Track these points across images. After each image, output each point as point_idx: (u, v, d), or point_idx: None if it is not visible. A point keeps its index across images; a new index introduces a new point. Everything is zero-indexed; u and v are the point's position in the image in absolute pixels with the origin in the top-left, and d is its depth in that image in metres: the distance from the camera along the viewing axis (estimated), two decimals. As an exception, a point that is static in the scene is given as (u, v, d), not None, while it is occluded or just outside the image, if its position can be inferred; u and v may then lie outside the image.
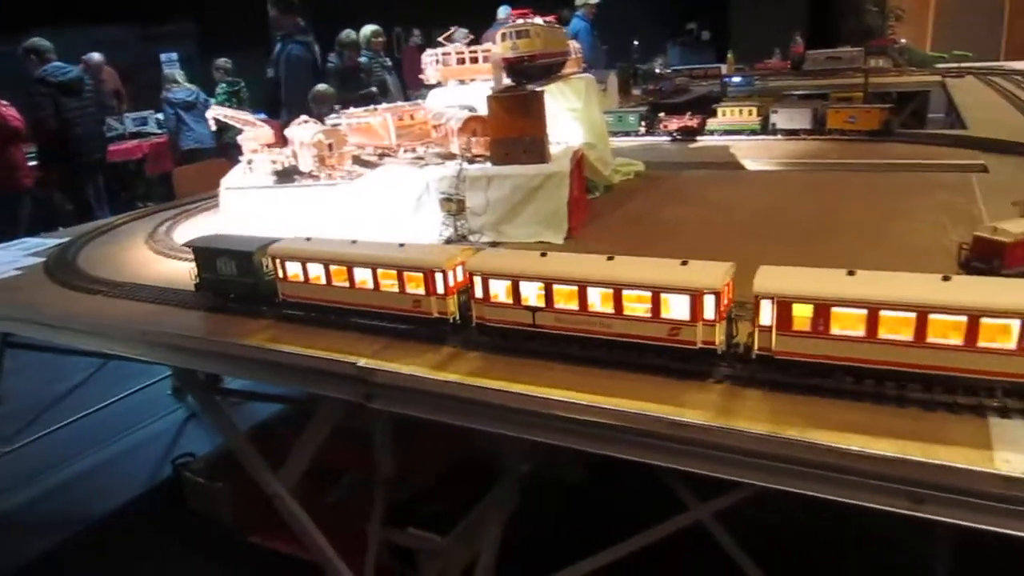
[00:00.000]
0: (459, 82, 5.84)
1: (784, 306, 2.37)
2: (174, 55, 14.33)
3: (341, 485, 4.96)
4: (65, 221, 8.80)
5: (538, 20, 4.83)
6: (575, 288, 2.68)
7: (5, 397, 5.87)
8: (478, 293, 2.88)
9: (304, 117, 5.12)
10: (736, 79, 12.15)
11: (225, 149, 9.41)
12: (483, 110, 4.75)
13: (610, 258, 2.72)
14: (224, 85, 12.47)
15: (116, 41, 16.20)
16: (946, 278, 2.30)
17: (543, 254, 2.87)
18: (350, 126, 5.16)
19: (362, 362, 2.95)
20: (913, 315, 2.23)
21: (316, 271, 3.28)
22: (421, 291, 3.00)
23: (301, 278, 3.34)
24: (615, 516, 3.80)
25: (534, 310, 2.78)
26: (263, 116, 9.00)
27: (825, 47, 13.06)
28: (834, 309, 2.32)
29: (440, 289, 2.96)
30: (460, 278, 3.00)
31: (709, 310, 2.47)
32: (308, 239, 3.45)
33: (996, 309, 2.15)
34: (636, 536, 3.40)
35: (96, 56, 12.15)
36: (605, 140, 6.04)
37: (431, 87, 5.98)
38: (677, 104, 9.49)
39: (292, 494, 3.89)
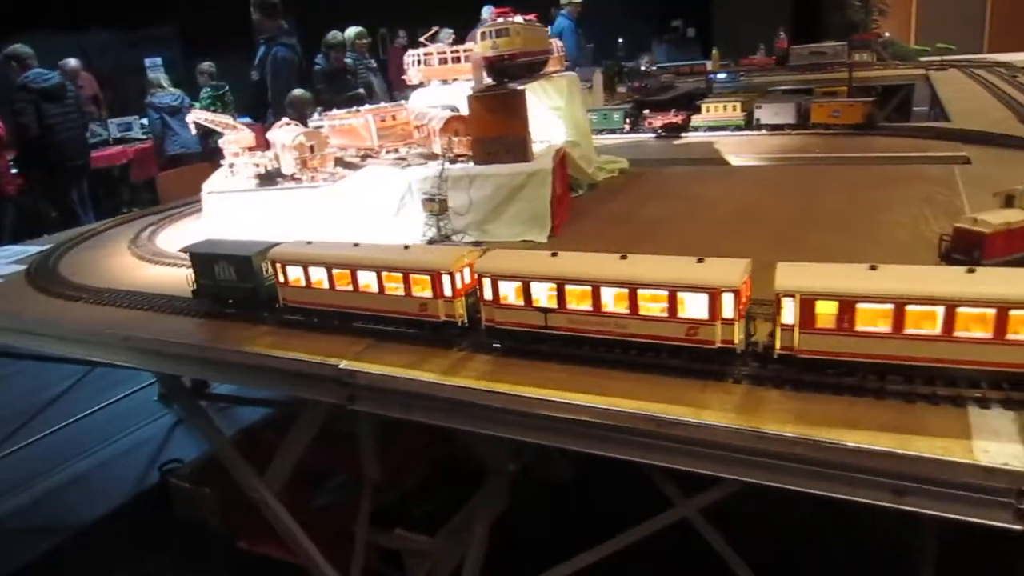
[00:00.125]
0: (442, 82, 5.82)
1: (807, 303, 2.31)
2: (158, 60, 14.25)
3: (328, 488, 4.94)
4: (49, 228, 8.74)
5: (518, 18, 4.82)
6: (588, 288, 2.61)
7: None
8: (487, 295, 2.81)
9: (286, 119, 5.09)
10: (721, 75, 12.18)
11: (211, 153, 9.38)
12: (466, 110, 4.74)
13: (623, 257, 2.65)
14: (208, 89, 12.41)
15: (99, 46, 16.12)
16: (970, 270, 2.26)
17: (554, 254, 2.79)
18: (332, 128, 5.14)
19: (343, 364, 2.93)
20: (942, 309, 2.18)
21: (318, 275, 3.21)
22: (428, 294, 2.93)
23: (303, 282, 3.27)
24: (602, 514, 3.80)
25: (546, 311, 2.71)
26: (247, 120, 8.98)
27: (810, 42, 13.09)
28: (860, 305, 2.26)
29: (448, 291, 2.89)
30: (468, 280, 2.93)
31: (728, 308, 2.41)
32: (309, 242, 3.37)
33: None
34: (622, 535, 3.41)
35: (72, 61, 12.05)
36: (589, 138, 6.03)
37: (414, 88, 5.96)
38: (662, 101, 9.53)
39: (278, 498, 3.87)
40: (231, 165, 5.16)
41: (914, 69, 11.84)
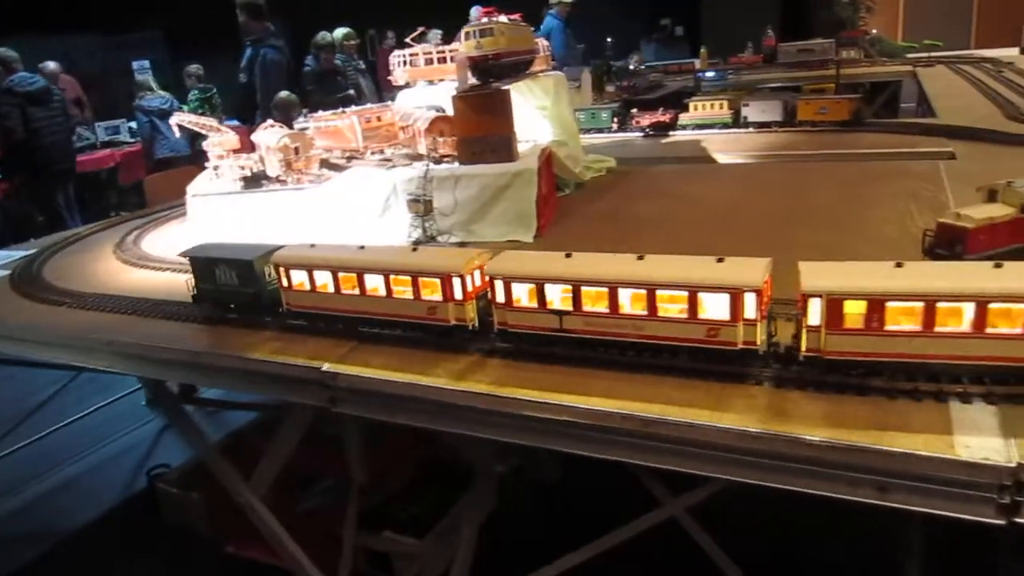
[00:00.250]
0: (428, 83, 5.80)
1: (835, 304, 2.26)
2: (146, 62, 14.18)
3: (316, 491, 4.91)
4: (36, 232, 8.69)
5: (503, 18, 4.80)
6: (605, 290, 2.55)
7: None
8: (499, 298, 2.75)
9: (270, 121, 5.07)
10: (710, 74, 12.18)
11: (199, 156, 9.31)
12: (451, 110, 4.72)
13: (640, 257, 2.59)
14: (196, 91, 12.37)
15: (86, 50, 16.03)
16: (997, 265, 2.24)
17: (568, 255, 2.72)
18: (317, 129, 5.11)
19: (326, 366, 2.91)
20: (972, 305, 2.15)
21: (323, 279, 3.14)
22: (437, 297, 2.86)
23: (307, 286, 3.19)
24: (592, 515, 3.79)
25: (560, 314, 2.65)
26: (234, 122, 8.94)
27: (798, 39, 13.12)
28: (889, 304, 2.22)
29: (458, 295, 2.82)
30: (478, 283, 2.87)
31: (750, 309, 2.36)
32: (312, 245, 3.30)
33: None
34: (610, 534, 3.40)
35: (51, 64, 11.92)
36: (576, 137, 6.02)
37: (400, 88, 5.94)
38: (650, 100, 9.53)
39: (264, 502, 3.84)
40: (216, 168, 5.13)
41: (901, 66, 11.88)
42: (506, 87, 4.63)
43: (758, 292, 2.34)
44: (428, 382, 2.71)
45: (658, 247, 2.71)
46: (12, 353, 4.33)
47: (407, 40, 5.97)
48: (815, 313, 2.29)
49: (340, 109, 5.36)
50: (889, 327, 2.23)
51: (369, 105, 6.18)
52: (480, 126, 4.47)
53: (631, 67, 12.81)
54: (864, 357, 2.29)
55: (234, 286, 3.41)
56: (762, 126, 7.21)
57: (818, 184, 5.19)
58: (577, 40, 13.81)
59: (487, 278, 2.80)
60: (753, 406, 2.29)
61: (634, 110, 8.10)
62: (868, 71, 11.72)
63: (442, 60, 5.67)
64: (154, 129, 11.71)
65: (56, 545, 5.63)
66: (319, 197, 4.62)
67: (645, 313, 2.51)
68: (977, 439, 2.04)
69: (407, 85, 5.85)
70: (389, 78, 6.08)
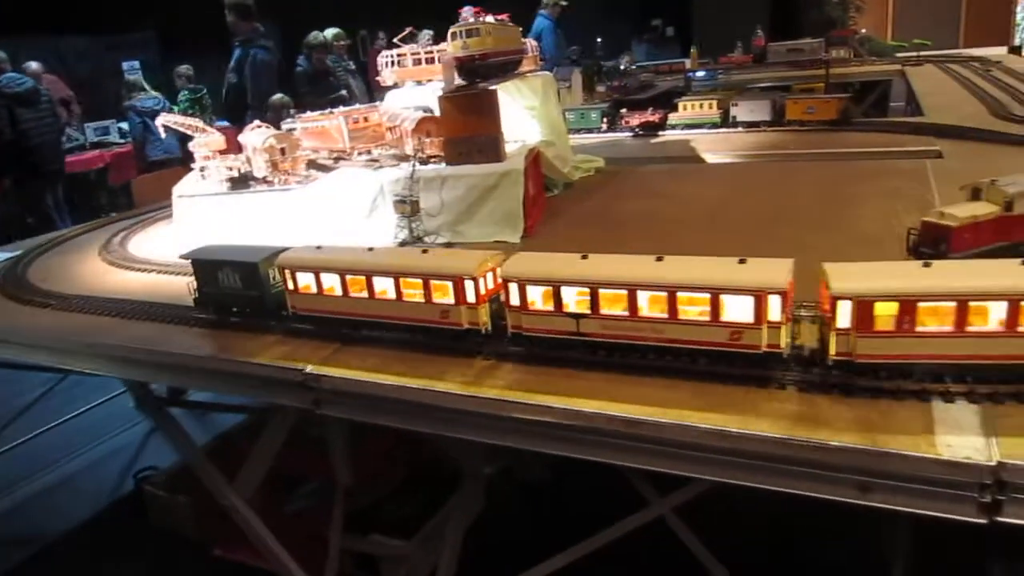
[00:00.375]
0: (416, 83, 5.79)
1: (865, 306, 2.21)
2: (136, 63, 14.12)
3: (303, 493, 4.89)
4: (24, 233, 8.64)
5: (489, 18, 4.79)
6: (624, 292, 2.49)
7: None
8: (513, 300, 2.68)
9: (257, 122, 5.05)
10: (700, 73, 12.21)
11: (189, 157, 9.26)
12: (439, 111, 4.71)
13: (659, 258, 2.53)
14: (186, 92, 12.31)
15: (76, 50, 15.95)
16: None
17: (584, 256, 2.65)
18: (304, 130, 5.10)
19: (309, 368, 2.90)
20: (1005, 304, 2.13)
21: (330, 281, 3.06)
22: (450, 300, 2.79)
23: (313, 289, 3.11)
24: (581, 515, 3.78)
25: (578, 317, 2.59)
26: (224, 123, 8.91)
27: (787, 39, 13.15)
28: (921, 304, 2.18)
29: (471, 298, 2.75)
30: (491, 285, 2.81)
31: (775, 311, 2.30)
32: (319, 247, 3.22)
33: None
34: (598, 535, 3.39)
35: (33, 65, 11.75)
36: (564, 137, 6.02)
37: (388, 89, 5.92)
38: (641, 100, 9.54)
39: (249, 505, 3.82)
40: (203, 168, 5.10)
41: (891, 65, 11.92)
42: (493, 87, 4.62)
43: (783, 294, 2.29)
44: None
45: (646, 247, 2.68)
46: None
47: (395, 41, 5.95)
48: (844, 316, 2.24)
49: (328, 110, 5.34)
50: (921, 328, 2.19)
51: (358, 106, 6.17)
52: (467, 126, 4.46)
53: (622, 67, 12.81)
54: (895, 360, 2.25)
55: (237, 289, 3.33)
56: (751, 126, 7.23)
57: (805, 183, 5.20)
58: (568, 41, 13.80)
59: (500, 280, 2.74)
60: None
61: (623, 110, 8.11)
62: (857, 70, 11.76)
63: (430, 60, 5.66)
64: (146, 130, 11.64)
65: (43, 548, 5.60)
66: (305, 198, 4.60)
67: (665, 316, 2.46)
68: (959, 439, 2.04)
69: (395, 85, 5.83)
70: (377, 78, 6.07)
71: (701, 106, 7.53)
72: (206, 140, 5.01)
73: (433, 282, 2.82)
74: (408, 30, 6.05)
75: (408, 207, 4.19)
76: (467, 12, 5.25)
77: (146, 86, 11.97)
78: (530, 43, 6.19)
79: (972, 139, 5.83)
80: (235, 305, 3.41)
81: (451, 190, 4.36)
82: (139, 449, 6.63)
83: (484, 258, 2.80)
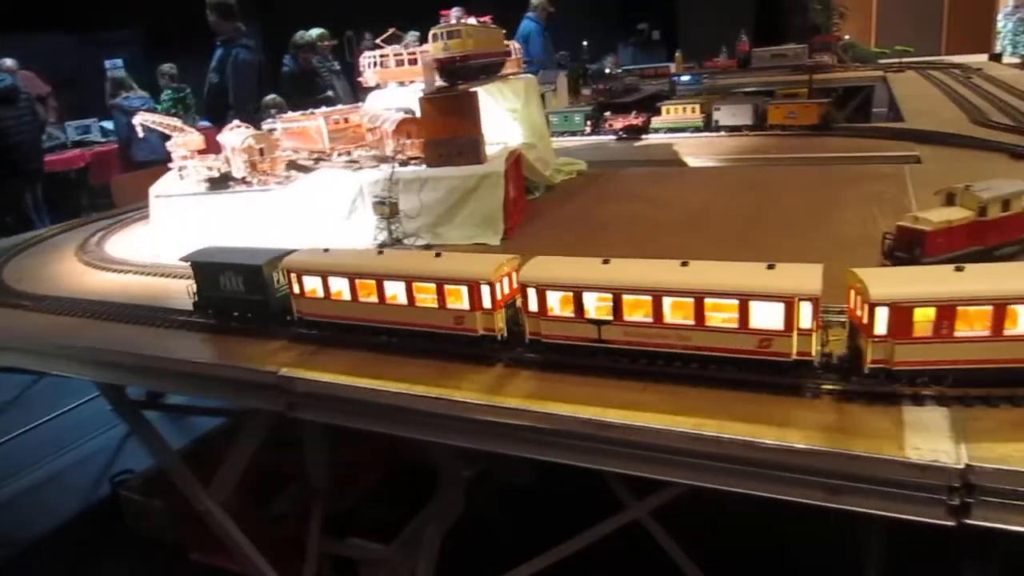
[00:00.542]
0: (399, 84, 5.77)
1: (903, 312, 2.17)
2: (119, 61, 13.99)
3: (283, 496, 4.85)
4: (1, 232, 8.53)
5: (471, 20, 4.79)
6: (648, 298, 2.42)
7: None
8: (532, 306, 2.60)
9: (237, 122, 5.01)
10: (685, 78, 12.26)
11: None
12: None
13: (684, 263, 2.46)
14: (169, 91, 12.22)
15: (58, 48, 15.79)
16: None
17: (605, 261, 2.58)
18: (284, 130, 5.06)
19: (283, 371, 2.87)
20: None
21: (338, 285, 2.95)
22: (465, 306, 2.70)
23: (320, 293, 3.00)
24: (562, 517, 3.78)
25: (599, 323, 2.51)
26: (205, 123, 8.85)
27: (772, 44, 13.24)
28: (960, 309, 2.15)
29: (487, 303, 2.67)
30: (507, 290, 2.73)
31: (805, 318, 2.24)
32: (326, 250, 3.12)
33: None
34: (574, 539, 3.39)
35: (8, 61, 11.53)
36: (546, 140, 6.02)
37: (370, 89, 5.90)
38: (626, 103, 9.56)
39: (226, 509, 3.79)
40: (181, 168, 5.06)
41: (873, 71, 12.02)
42: (474, 89, 4.61)
43: (814, 301, 2.23)
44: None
45: (627, 250, 2.66)
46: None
47: (377, 41, 5.93)
48: (882, 322, 2.19)
49: (310, 111, 5.31)
50: (959, 333, 2.17)
51: (340, 106, 6.14)
52: (447, 128, 4.44)
53: (607, 70, 12.85)
54: (932, 366, 2.21)
55: (240, 293, 3.21)
56: (733, 130, 7.25)
57: (786, 187, 5.23)
58: (556, 46, 13.81)
59: (517, 285, 2.67)
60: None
61: (607, 113, 8.12)
62: (841, 76, 11.84)
63: (413, 62, 5.64)
64: (133, 130, 11.46)
65: (18, 553, 5.52)
66: (284, 199, 4.57)
67: (692, 323, 2.39)
68: (927, 441, 2.04)
69: (377, 86, 5.81)
70: (359, 79, 6.04)
71: (684, 110, 7.55)
72: (184, 140, 4.97)
73: (448, 287, 2.73)
74: (391, 31, 6.03)
75: (387, 209, 4.18)
76: (456, 12, 5.26)
77: (133, 84, 11.84)
78: (513, 45, 6.18)
79: (951, 145, 5.88)
80: (237, 309, 3.28)
81: (431, 192, 4.35)
82: (118, 451, 6.56)
83: (500, 262, 2.72)
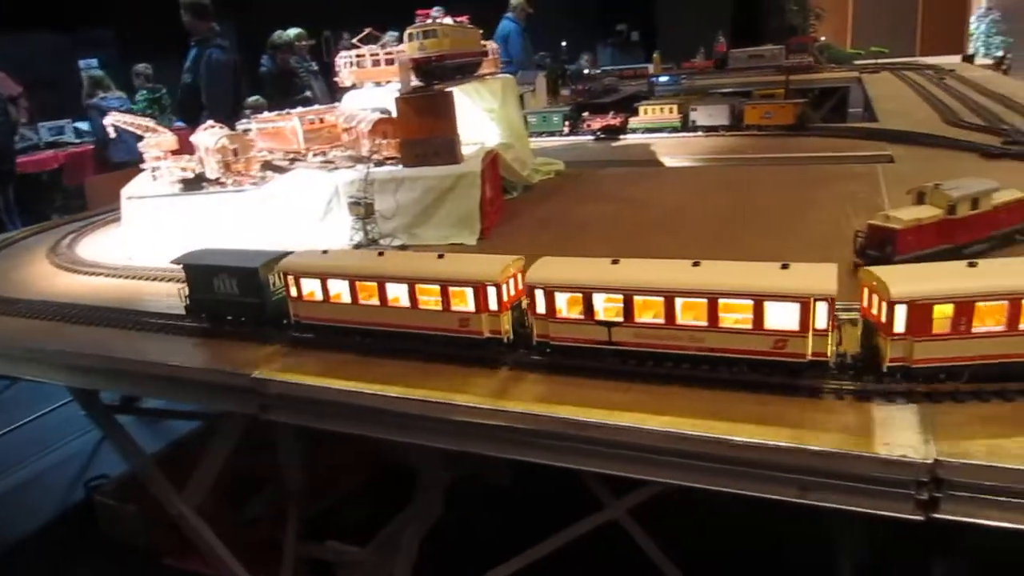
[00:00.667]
0: (375, 84, 5.74)
1: (923, 309, 2.15)
2: (94, 61, 13.82)
3: (258, 500, 4.81)
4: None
5: (447, 20, 4.77)
6: (660, 299, 2.38)
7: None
8: (539, 308, 2.54)
9: (210, 122, 4.96)
10: (663, 78, 12.30)
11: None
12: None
13: (696, 263, 2.42)
14: (145, 92, 12.09)
15: (31, 48, 15.56)
16: None
17: (615, 261, 2.53)
18: (259, 131, 5.02)
19: (256, 373, 2.84)
20: None
21: (338, 288, 2.88)
22: (470, 308, 2.64)
23: (319, 296, 2.92)
24: (540, 518, 3.77)
25: (610, 325, 2.46)
26: (180, 124, 8.76)
27: (749, 45, 13.34)
28: (978, 304, 2.14)
29: (493, 305, 2.61)
30: (513, 292, 2.68)
31: (821, 318, 2.22)
32: (325, 252, 3.06)
33: None
34: (550, 539, 3.39)
35: None
36: (524, 140, 6.02)
37: (347, 89, 5.87)
38: (604, 103, 9.59)
39: (201, 512, 3.74)
40: (154, 169, 4.99)
41: (849, 72, 12.15)
42: (450, 89, 4.60)
43: (830, 301, 2.21)
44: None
45: (604, 250, 2.65)
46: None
47: (354, 42, 5.90)
48: (901, 320, 2.18)
49: (287, 111, 5.27)
50: (977, 329, 2.17)
51: (316, 107, 6.10)
52: (423, 128, 4.43)
53: (586, 71, 12.88)
54: (950, 362, 2.21)
55: (235, 296, 3.12)
56: (710, 130, 7.30)
57: (761, 187, 5.26)
58: (535, 46, 13.81)
59: (523, 287, 2.63)
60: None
61: (585, 113, 8.14)
62: (817, 77, 11.96)
63: (390, 62, 5.61)
64: (116, 131, 11.31)
65: (-9, 559, 5.43)
66: (259, 200, 4.53)
67: (705, 324, 2.35)
68: (897, 437, 2.06)
69: (354, 86, 5.78)
70: (335, 79, 6.01)
71: (661, 110, 7.60)
72: (157, 140, 4.91)
73: (452, 289, 2.66)
74: (367, 31, 6.00)
75: (363, 209, 4.16)
76: (436, 12, 5.24)
77: (111, 84, 11.68)
78: (491, 46, 6.17)
79: (923, 144, 5.95)
80: (231, 313, 3.20)
81: (407, 192, 4.33)
82: (92, 456, 6.46)
83: (506, 263, 2.66)
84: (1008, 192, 3.39)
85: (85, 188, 8.55)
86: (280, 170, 4.88)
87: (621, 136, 7.68)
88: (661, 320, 2.41)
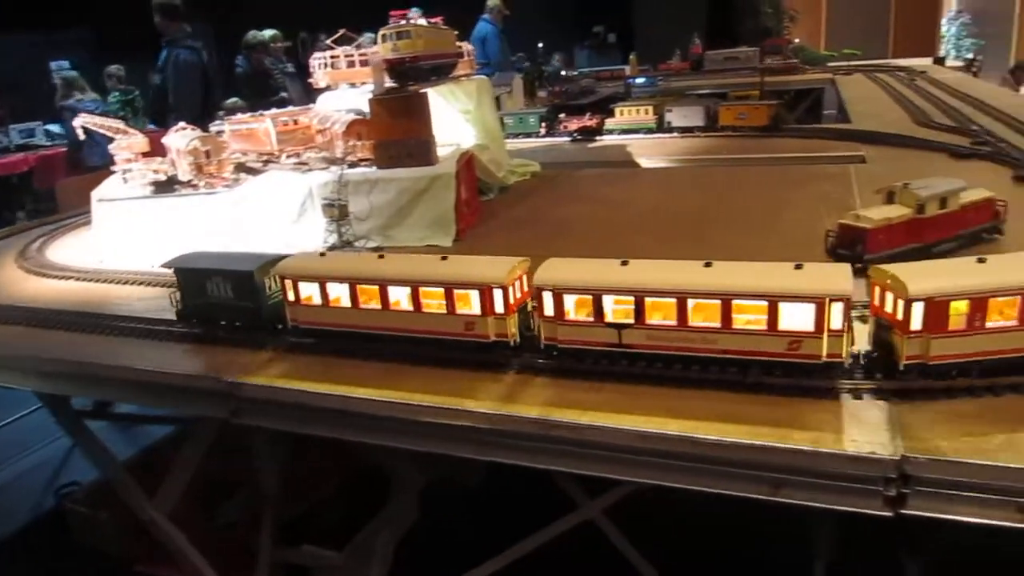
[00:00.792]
0: (350, 85, 5.70)
1: (940, 306, 2.14)
2: (65, 63, 13.60)
3: (231, 504, 4.76)
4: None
5: (421, 21, 4.76)
6: (672, 300, 2.34)
7: None
8: (547, 310, 2.50)
9: (182, 124, 4.90)
10: (640, 80, 12.34)
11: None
12: (371, 113, 4.64)
13: (708, 264, 2.39)
14: (117, 94, 11.91)
15: (2, 50, 15.33)
16: None
17: (624, 262, 2.49)
18: (232, 132, 4.97)
19: (229, 377, 2.81)
20: None
21: (337, 291, 2.81)
22: (476, 311, 2.58)
23: (317, 300, 2.85)
24: (514, 519, 3.77)
25: (620, 327, 2.42)
26: (151, 126, 8.66)
27: (724, 47, 13.44)
28: (991, 300, 2.14)
29: (499, 308, 2.56)
30: (519, 294, 2.63)
31: (836, 319, 2.19)
32: (323, 254, 3.00)
33: None
34: (527, 539, 3.38)
35: None
36: (500, 141, 6.01)
37: (321, 91, 5.83)
38: (581, 105, 9.61)
39: (174, 518, 3.70)
40: (125, 172, 4.93)
41: (823, 74, 12.27)
42: (424, 90, 4.58)
43: (846, 301, 2.19)
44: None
45: (581, 250, 2.64)
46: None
47: (328, 42, 5.86)
48: (918, 318, 2.17)
49: (259, 112, 5.23)
50: (991, 324, 2.16)
51: (290, 108, 6.06)
52: (397, 129, 4.41)
53: (562, 72, 12.91)
54: (965, 359, 2.20)
55: (229, 300, 3.04)
56: (685, 131, 7.34)
57: (734, 187, 5.30)
58: (511, 48, 13.81)
59: (530, 289, 2.59)
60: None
61: (562, 115, 8.16)
62: (791, 78, 12.06)
63: (364, 63, 5.58)
64: (87, 133, 11.14)
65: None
66: (232, 202, 4.49)
67: (718, 325, 2.32)
68: (865, 434, 2.08)
69: (328, 87, 5.74)
70: (310, 80, 5.96)
71: (637, 111, 7.62)
72: (128, 142, 4.85)
73: (457, 291, 2.61)
74: (342, 32, 5.96)
75: (337, 211, 4.13)
76: (414, 12, 5.22)
77: (86, 85, 11.50)
78: (466, 47, 6.16)
79: (895, 145, 6.03)
80: (225, 318, 3.11)
81: (381, 194, 4.31)
82: (63, 462, 6.36)
83: (512, 265, 2.62)
84: (975, 191, 3.44)
85: (56, 191, 8.42)
86: (253, 172, 4.84)
87: (597, 137, 7.70)
88: (673, 322, 2.37)
